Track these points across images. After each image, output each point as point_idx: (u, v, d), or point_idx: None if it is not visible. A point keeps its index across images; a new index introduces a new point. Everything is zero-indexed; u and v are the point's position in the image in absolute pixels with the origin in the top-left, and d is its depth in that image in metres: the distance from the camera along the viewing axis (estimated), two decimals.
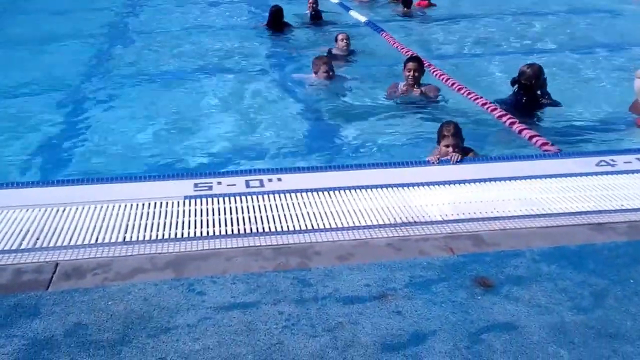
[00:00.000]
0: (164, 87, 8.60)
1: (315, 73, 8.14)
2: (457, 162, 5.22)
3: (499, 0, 15.81)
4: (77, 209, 4.31)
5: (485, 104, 7.07)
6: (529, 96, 6.75)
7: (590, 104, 7.25)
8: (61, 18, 14.02)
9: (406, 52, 9.94)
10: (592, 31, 12.29)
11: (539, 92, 6.84)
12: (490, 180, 4.84)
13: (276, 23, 12.04)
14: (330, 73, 8.10)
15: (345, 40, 9.69)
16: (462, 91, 7.66)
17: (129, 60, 10.18)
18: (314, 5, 13.35)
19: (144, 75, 9.22)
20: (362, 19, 13.42)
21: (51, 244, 3.87)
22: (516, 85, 6.79)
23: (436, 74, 8.40)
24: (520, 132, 6.23)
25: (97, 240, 3.92)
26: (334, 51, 9.73)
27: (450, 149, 5.37)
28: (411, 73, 7.35)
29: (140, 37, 12.12)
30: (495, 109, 6.86)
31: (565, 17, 13.70)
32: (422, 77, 7.53)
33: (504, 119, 6.59)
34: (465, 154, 5.45)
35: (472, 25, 13.04)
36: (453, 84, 7.92)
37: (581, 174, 4.95)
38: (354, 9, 14.70)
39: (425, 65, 8.62)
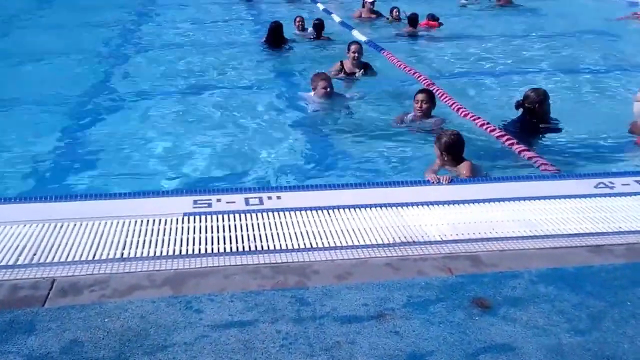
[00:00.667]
0: (164, 104, 8.63)
1: (314, 90, 8.11)
2: (448, 182, 5.24)
3: (500, 22, 16.01)
4: (75, 224, 4.31)
5: (484, 124, 7.11)
6: (533, 120, 6.75)
7: (589, 125, 7.29)
8: (58, 33, 14.07)
9: (409, 71, 10.01)
10: (591, 52, 12.39)
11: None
12: (489, 200, 4.85)
13: (275, 39, 12.07)
14: (328, 90, 8.01)
15: (356, 53, 9.43)
16: (461, 112, 7.69)
17: (127, 76, 10.28)
18: (301, 23, 13.45)
19: (143, 92, 9.27)
20: (363, 38, 13.43)
21: (48, 260, 3.87)
22: (521, 109, 6.80)
23: (438, 95, 8.43)
24: (520, 153, 6.26)
25: (94, 256, 3.92)
26: (345, 63, 9.62)
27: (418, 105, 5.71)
28: (419, 104, 7.20)
29: (139, 54, 12.20)
30: (495, 129, 6.90)
31: (564, 39, 13.82)
32: (433, 108, 7.39)
33: (503, 139, 6.63)
34: (459, 162, 5.59)
35: (476, 45, 13.13)
36: (454, 105, 7.95)
37: (580, 196, 4.97)
38: (355, 27, 14.71)
39: (431, 87, 8.71)
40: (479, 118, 7.30)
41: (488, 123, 7.08)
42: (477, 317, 3.38)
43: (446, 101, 8.09)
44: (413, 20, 14.30)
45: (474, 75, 10.42)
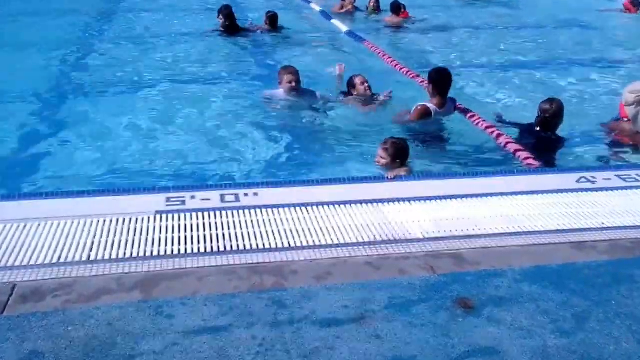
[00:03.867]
0: (132, 97, 8.41)
1: (280, 83, 7.67)
2: (392, 178, 5.16)
3: (480, 14, 16.02)
4: (38, 225, 4.12)
5: (469, 113, 7.07)
6: (546, 132, 6.39)
7: (569, 119, 7.24)
8: (32, 23, 13.76)
9: (392, 62, 9.90)
10: (574, 45, 12.45)
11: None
12: (471, 196, 4.77)
13: (232, 24, 11.95)
14: (294, 84, 7.56)
15: (365, 84, 7.85)
16: None
17: (96, 70, 9.92)
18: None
19: (111, 85, 9.02)
20: (344, 28, 13.33)
21: (9, 264, 3.68)
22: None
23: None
24: (505, 145, 6.20)
25: (59, 259, 3.74)
26: (352, 101, 7.90)
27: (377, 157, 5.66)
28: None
29: (110, 45, 11.90)
30: (479, 119, 6.83)
31: (544, 32, 13.85)
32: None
33: (488, 131, 6.57)
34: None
35: (455, 37, 13.14)
36: None
37: (562, 191, 4.92)
38: (335, 17, 14.62)
39: (412, 76, 8.60)
40: (470, 112, 7.22)
41: (479, 117, 7.02)
42: (460, 319, 3.30)
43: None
44: (396, 7, 14.19)
45: (457, 67, 10.35)
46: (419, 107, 6.90)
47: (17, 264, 3.69)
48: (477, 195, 4.79)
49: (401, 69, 9.50)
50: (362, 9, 15.65)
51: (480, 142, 6.66)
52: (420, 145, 6.58)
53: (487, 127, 6.72)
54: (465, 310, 3.38)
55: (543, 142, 6.35)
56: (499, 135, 6.44)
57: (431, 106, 6.91)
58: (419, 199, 4.71)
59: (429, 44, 12.50)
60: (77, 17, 14.45)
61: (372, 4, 15.42)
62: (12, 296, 3.39)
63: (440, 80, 6.90)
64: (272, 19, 12.79)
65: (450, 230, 4.24)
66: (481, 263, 3.87)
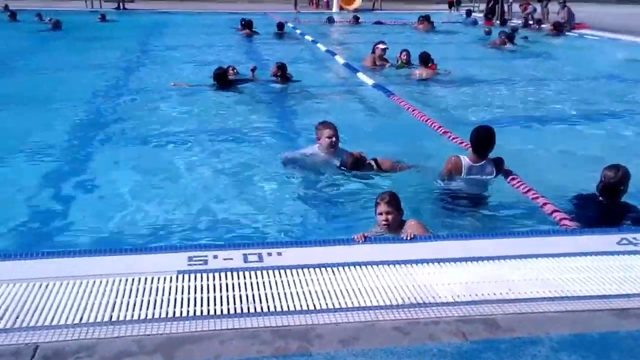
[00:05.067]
0: (154, 154, 8.52)
1: (318, 139, 7.61)
2: (411, 238, 5.08)
3: (511, 65, 16.17)
4: (60, 284, 4.16)
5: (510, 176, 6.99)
6: (608, 200, 6.06)
7: None
8: (47, 78, 14.16)
9: (422, 117, 9.95)
10: (606, 96, 12.44)
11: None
12: (505, 258, 4.71)
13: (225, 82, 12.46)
14: (334, 140, 7.48)
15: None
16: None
17: (115, 126, 10.06)
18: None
19: (131, 141, 9.16)
20: (370, 82, 13.43)
21: (31, 324, 3.71)
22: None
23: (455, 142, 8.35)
24: (540, 206, 6.13)
25: (80, 319, 3.77)
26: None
27: (384, 217, 5.43)
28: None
29: (124, 100, 12.13)
30: (520, 182, 6.75)
31: (578, 82, 13.92)
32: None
33: (521, 187, 6.54)
34: (401, 224, 5.47)
35: (487, 88, 13.24)
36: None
37: (602, 253, 4.83)
38: (363, 71, 14.65)
39: (441, 132, 8.62)
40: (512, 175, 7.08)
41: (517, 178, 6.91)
42: None
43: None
44: (425, 59, 14.16)
45: (488, 121, 10.39)
46: (451, 157, 6.89)
47: (39, 324, 3.72)
48: (511, 257, 4.72)
49: (432, 123, 9.52)
50: (393, 62, 15.61)
51: (514, 201, 6.60)
52: (449, 201, 6.55)
53: (527, 191, 6.57)
54: None
55: (606, 210, 6.04)
56: (536, 197, 6.36)
57: (464, 159, 6.85)
58: (449, 260, 4.66)
59: (459, 97, 12.57)
60: (98, 71, 14.90)
61: (403, 57, 15.28)
62: (35, 357, 3.42)
63: (475, 137, 6.87)
64: (282, 69, 13.15)
65: (483, 294, 4.17)
66: (516, 329, 3.79)
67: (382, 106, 11.53)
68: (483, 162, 6.88)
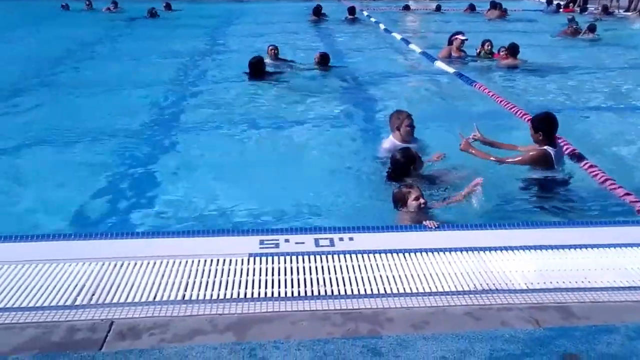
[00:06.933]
0: (229, 138, 8.82)
1: (397, 129, 7.46)
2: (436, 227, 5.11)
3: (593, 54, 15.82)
4: (135, 264, 4.40)
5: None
6: None
7: None
8: (131, 64, 14.86)
9: (507, 105, 9.84)
10: None
11: None
12: (580, 246, 4.70)
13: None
14: (412, 128, 7.45)
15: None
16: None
17: (192, 109, 10.57)
18: (275, 52, 13.94)
19: (207, 125, 9.52)
20: (450, 70, 13.36)
21: (107, 301, 3.95)
22: None
23: None
24: (621, 196, 6.06)
25: (154, 297, 3.98)
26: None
27: (422, 199, 5.57)
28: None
29: (204, 85, 12.61)
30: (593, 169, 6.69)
31: None
32: None
33: (599, 176, 6.47)
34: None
35: (571, 78, 13.03)
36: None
37: None
38: (440, 60, 14.57)
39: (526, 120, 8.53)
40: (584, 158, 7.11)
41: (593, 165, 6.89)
42: None
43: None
44: (513, 49, 13.99)
45: (571, 110, 10.26)
46: (539, 151, 6.71)
47: (114, 301, 3.95)
48: (586, 246, 4.71)
49: (517, 111, 9.45)
50: (470, 54, 15.30)
51: (590, 191, 6.53)
52: (524, 190, 6.52)
53: (604, 180, 6.53)
54: None
55: None
56: (605, 180, 6.29)
57: (550, 149, 6.72)
58: (522, 247, 4.68)
59: (543, 86, 12.41)
60: (175, 59, 15.45)
61: (487, 46, 15.00)
62: (110, 333, 3.62)
63: (549, 123, 6.75)
64: (324, 58, 13.64)
65: (557, 282, 4.19)
66: (591, 318, 3.80)
67: (462, 94, 11.49)
68: (557, 148, 6.82)
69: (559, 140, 7.06)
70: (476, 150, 6.94)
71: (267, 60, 13.35)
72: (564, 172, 6.84)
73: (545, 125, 6.74)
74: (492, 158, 6.86)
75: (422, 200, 5.60)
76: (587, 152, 7.46)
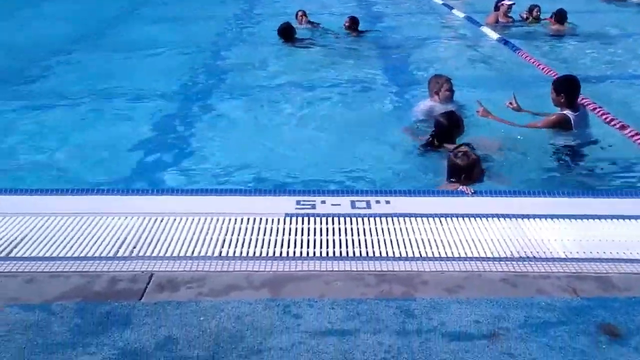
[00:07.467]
0: (267, 101, 8.88)
1: (437, 93, 7.44)
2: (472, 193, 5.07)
3: None
4: (175, 219, 4.49)
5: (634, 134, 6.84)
6: None
7: None
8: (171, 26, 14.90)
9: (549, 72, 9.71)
10: None
11: None
12: (621, 217, 4.62)
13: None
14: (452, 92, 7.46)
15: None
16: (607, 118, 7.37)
17: (232, 73, 10.66)
18: (304, 17, 14.23)
19: (246, 89, 9.58)
20: (495, 36, 13.15)
21: (147, 254, 4.05)
22: None
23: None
24: None
25: (192, 253, 4.07)
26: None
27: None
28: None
29: (238, 49, 12.70)
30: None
31: None
32: None
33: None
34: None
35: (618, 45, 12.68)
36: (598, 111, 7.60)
37: None
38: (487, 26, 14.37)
39: None
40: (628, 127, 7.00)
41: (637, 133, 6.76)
42: (604, 346, 3.23)
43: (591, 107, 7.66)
44: (560, 15, 13.73)
45: (616, 78, 10.02)
46: (557, 114, 6.71)
47: (154, 254, 4.05)
48: (627, 217, 4.63)
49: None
50: (517, 19, 15.08)
51: (630, 160, 6.41)
52: (560, 158, 6.47)
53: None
54: (611, 337, 3.31)
55: None
56: None
57: (570, 113, 6.67)
58: (562, 216, 4.62)
59: (591, 55, 12.10)
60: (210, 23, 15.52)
61: (535, 12, 14.75)
62: (150, 284, 3.73)
63: (571, 86, 6.72)
64: (354, 22, 13.67)
65: (597, 252, 4.13)
66: (631, 289, 3.75)
67: (506, 61, 11.39)
68: (579, 112, 6.75)
69: (597, 112, 6.94)
70: (494, 116, 6.87)
71: (298, 26, 13.49)
72: (590, 137, 6.76)
73: (567, 88, 6.69)
74: (510, 123, 6.82)
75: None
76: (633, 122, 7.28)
